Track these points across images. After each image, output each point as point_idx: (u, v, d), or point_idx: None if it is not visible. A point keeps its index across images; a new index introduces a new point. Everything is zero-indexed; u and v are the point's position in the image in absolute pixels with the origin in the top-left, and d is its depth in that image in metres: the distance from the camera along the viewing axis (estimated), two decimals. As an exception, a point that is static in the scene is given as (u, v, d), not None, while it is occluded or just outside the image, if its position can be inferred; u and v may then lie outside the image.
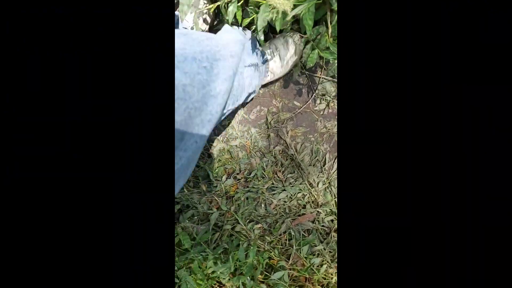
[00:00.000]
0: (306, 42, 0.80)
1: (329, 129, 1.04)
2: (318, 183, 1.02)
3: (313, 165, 1.03)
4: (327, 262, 0.96)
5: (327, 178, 1.03)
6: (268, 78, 0.93)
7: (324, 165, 1.03)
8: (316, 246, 0.97)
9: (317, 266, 0.95)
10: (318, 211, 1.01)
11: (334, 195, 1.02)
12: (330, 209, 1.01)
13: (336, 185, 1.01)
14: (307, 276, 0.95)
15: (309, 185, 1.03)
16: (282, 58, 0.87)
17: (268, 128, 1.08)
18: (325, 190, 1.02)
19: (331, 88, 1.02)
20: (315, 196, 1.02)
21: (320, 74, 1.01)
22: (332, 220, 1.00)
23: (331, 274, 0.95)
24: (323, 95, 1.02)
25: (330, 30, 0.73)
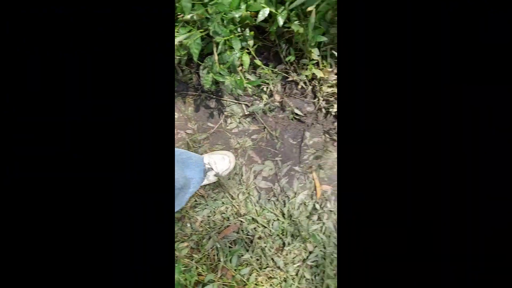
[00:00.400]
0: (203, 68, 0.98)
1: (241, 145, 1.14)
2: (238, 195, 1.08)
3: (232, 179, 1.11)
4: (256, 270, 0.99)
5: (246, 189, 1.09)
6: (204, 182, 1.10)
7: (242, 177, 1.10)
8: (243, 255, 1.01)
9: (247, 276, 0.98)
10: (240, 221, 1.06)
11: (254, 204, 1.08)
12: (251, 217, 1.06)
13: (254, 195, 1.09)
14: (237, 286, 0.97)
15: (231, 197, 1.09)
16: (220, 170, 1.07)
17: (187, 148, 1.14)
18: (246, 200, 1.08)
19: (238, 109, 1.16)
20: (237, 207, 1.07)
21: (227, 98, 1.15)
22: (254, 228, 1.04)
23: (262, 282, 0.98)
24: (232, 115, 1.15)
25: (217, 58, 0.90)
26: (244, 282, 0.97)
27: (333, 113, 1.10)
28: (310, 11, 0.82)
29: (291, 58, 1.02)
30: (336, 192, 1.07)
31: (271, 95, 1.11)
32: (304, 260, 0.99)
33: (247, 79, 1.01)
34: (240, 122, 1.15)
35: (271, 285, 0.97)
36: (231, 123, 1.16)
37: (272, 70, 1.06)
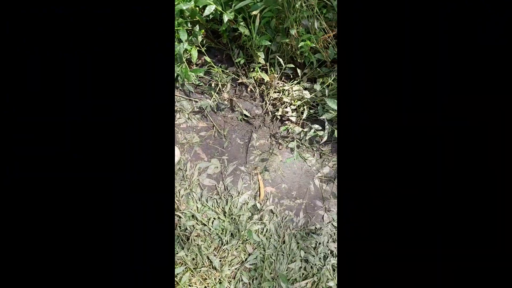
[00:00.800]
0: None
1: (188, 141, 1.13)
2: (180, 190, 1.07)
3: (176, 174, 1.10)
4: (190, 269, 0.96)
5: (188, 185, 1.08)
6: None
7: (185, 173, 1.10)
8: (177, 253, 0.98)
9: (181, 275, 0.95)
10: (179, 216, 1.03)
11: (195, 201, 1.06)
12: (191, 214, 1.03)
13: (197, 191, 1.08)
14: (168, 288, 0.94)
15: (171, 192, 1.09)
16: None
17: (132, 141, 1.14)
18: (187, 196, 1.07)
19: (188, 105, 1.16)
20: (177, 202, 1.05)
21: (177, 93, 1.17)
22: (193, 225, 1.01)
23: (195, 283, 0.94)
24: (181, 110, 1.17)
25: None
26: (177, 282, 0.94)
27: (279, 117, 1.15)
28: (255, 15, 0.92)
29: (241, 60, 1.10)
30: (278, 195, 1.08)
31: (221, 93, 1.17)
32: (242, 262, 0.98)
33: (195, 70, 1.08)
34: (189, 118, 1.16)
35: (205, 287, 0.94)
36: (179, 118, 1.16)
37: (222, 70, 1.12)
